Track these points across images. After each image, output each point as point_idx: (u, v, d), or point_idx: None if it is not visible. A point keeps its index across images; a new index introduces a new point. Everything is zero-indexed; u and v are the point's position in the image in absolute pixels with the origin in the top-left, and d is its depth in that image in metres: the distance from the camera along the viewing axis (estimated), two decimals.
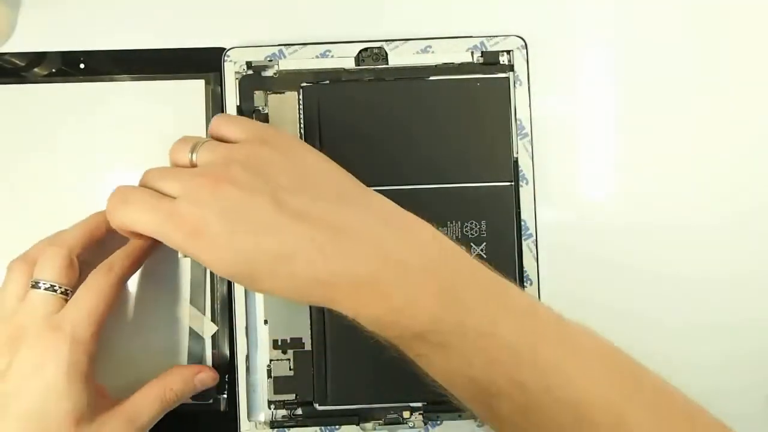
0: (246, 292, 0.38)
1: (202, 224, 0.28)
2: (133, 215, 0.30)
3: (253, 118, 0.38)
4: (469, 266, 0.30)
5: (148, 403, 0.34)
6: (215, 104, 0.39)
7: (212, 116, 0.38)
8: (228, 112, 0.38)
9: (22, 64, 0.39)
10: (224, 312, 0.38)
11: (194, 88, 0.39)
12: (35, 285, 0.33)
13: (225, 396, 0.38)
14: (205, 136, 0.34)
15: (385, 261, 0.28)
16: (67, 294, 0.33)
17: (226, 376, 0.38)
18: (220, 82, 0.38)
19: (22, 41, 0.39)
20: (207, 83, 0.39)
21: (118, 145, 0.39)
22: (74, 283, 0.33)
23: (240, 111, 0.38)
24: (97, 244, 0.35)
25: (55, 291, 0.33)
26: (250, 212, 0.28)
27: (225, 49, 0.38)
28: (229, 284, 0.38)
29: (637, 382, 0.28)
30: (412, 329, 0.28)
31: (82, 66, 0.39)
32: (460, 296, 0.28)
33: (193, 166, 0.31)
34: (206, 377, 0.37)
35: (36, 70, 0.39)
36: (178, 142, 0.33)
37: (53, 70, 0.39)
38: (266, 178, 0.29)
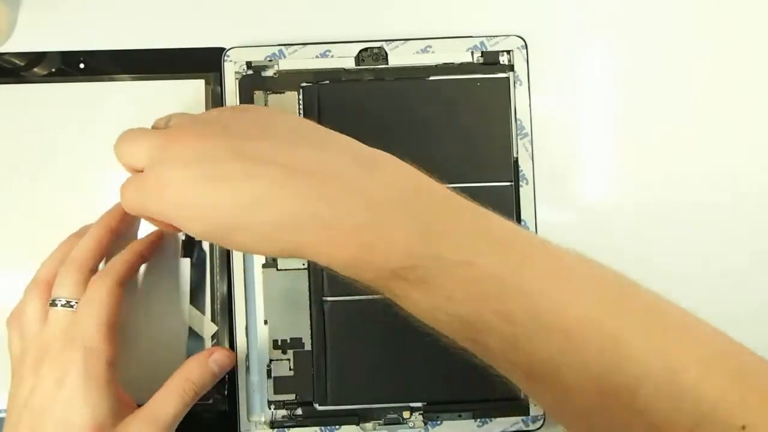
0: (246, 291, 0.38)
1: (164, 180, 0.28)
2: (124, 197, 0.31)
3: None
4: (446, 197, 0.28)
5: (169, 400, 0.34)
6: (215, 104, 0.39)
7: None
8: None
9: (22, 64, 0.39)
10: (224, 312, 0.38)
11: (194, 88, 0.39)
12: (53, 303, 0.33)
13: (225, 395, 0.38)
14: None
15: (352, 198, 0.27)
16: (71, 304, 0.33)
17: (226, 377, 0.38)
18: (220, 82, 0.38)
19: (22, 41, 0.39)
20: (207, 83, 0.39)
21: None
22: (81, 288, 0.34)
23: None
24: (105, 252, 0.35)
25: (72, 307, 0.33)
26: (207, 161, 0.28)
27: (225, 49, 0.38)
28: (229, 284, 0.38)
29: (629, 300, 0.27)
30: (388, 267, 0.27)
31: (82, 66, 0.39)
32: (437, 228, 0.27)
33: None
34: (220, 357, 0.36)
35: (36, 70, 0.39)
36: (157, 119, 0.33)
37: (53, 70, 0.39)
38: (225, 129, 0.29)
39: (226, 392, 0.38)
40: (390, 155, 0.29)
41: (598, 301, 0.26)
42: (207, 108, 0.39)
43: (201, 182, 0.28)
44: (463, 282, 0.26)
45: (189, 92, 0.39)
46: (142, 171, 0.30)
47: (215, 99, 0.39)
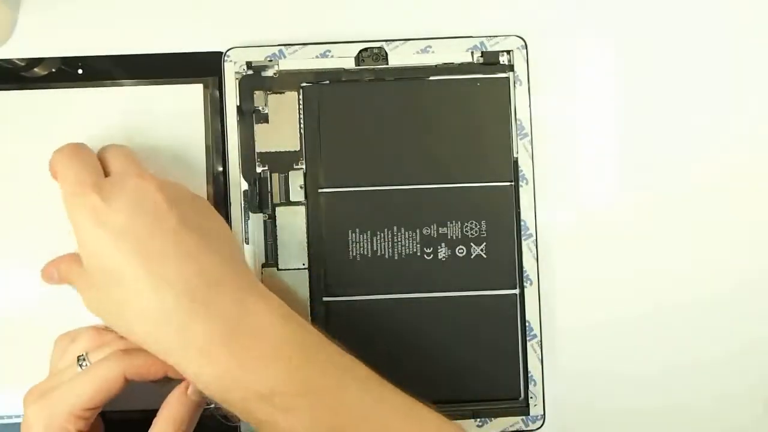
0: None
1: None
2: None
3: (253, 118, 0.38)
4: (315, 333, 0.31)
5: None
6: (214, 108, 0.38)
7: (211, 120, 0.38)
8: (228, 112, 0.38)
9: (20, 69, 0.39)
10: None
11: (193, 93, 0.39)
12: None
13: None
14: (205, 137, 0.37)
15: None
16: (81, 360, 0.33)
17: None
18: (219, 86, 0.38)
19: (19, 46, 0.39)
20: (206, 87, 0.39)
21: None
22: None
23: (240, 111, 0.38)
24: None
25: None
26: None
27: (223, 52, 0.38)
28: None
29: None
30: (258, 390, 0.28)
31: (80, 71, 0.39)
32: (312, 357, 0.29)
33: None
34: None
35: (33, 74, 0.39)
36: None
37: (51, 75, 0.39)
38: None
39: None
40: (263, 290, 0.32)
41: None
42: (206, 112, 0.38)
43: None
44: (330, 414, 0.29)
45: (187, 97, 0.39)
46: None
47: (214, 103, 0.39)
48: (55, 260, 0.36)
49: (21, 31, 0.39)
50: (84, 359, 0.32)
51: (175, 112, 0.39)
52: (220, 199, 0.38)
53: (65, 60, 0.39)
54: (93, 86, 0.39)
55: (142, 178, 0.32)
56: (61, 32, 0.39)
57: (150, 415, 0.36)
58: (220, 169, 0.38)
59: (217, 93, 0.38)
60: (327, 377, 0.29)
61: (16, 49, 0.39)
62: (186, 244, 0.30)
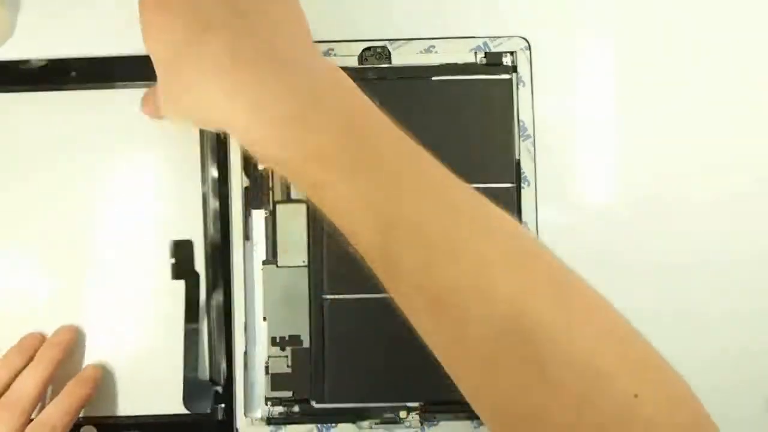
0: (245, 288, 0.38)
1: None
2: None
3: None
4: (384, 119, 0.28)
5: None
6: None
7: None
8: None
9: (14, 72, 0.39)
10: (219, 311, 0.38)
11: None
12: None
13: (222, 391, 0.38)
14: (200, 150, 0.37)
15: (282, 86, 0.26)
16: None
17: (224, 374, 0.38)
18: None
19: (14, 48, 0.39)
20: None
21: (112, 152, 0.39)
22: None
23: None
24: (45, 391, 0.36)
25: None
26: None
27: None
28: (228, 280, 0.38)
29: (541, 263, 0.26)
30: (312, 144, 0.26)
31: (73, 74, 0.38)
32: (372, 127, 0.27)
33: None
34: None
35: (28, 75, 0.39)
36: None
37: (44, 76, 0.38)
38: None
39: (221, 388, 0.38)
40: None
41: (517, 272, 0.25)
42: None
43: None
44: (393, 181, 0.26)
45: None
46: None
47: None
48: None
49: (16, 33, 0.39)
50: None
51: None
52: (221, 200, 0.38)
53: (58, 61, 0.39)
54: (87, 88, 0.39)
55: None
56: (55, 33, 0.39)
57: (142, 419, 0.36)
58: (215, 174, 0.38)
59: None
60: (389, 148, 0.27)
61: (10, 51, 0.39)
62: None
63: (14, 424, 0.34)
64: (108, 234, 0.38)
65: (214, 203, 0.38)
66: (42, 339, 0.37)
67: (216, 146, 0.38)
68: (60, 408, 0.35)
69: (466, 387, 0.27)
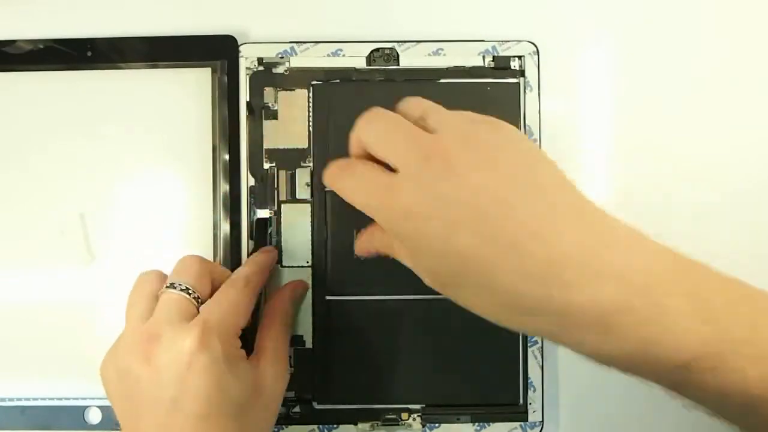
0: None
1: (415, 209, 0.26)
2: (349, 185, 0.29)
3: (262, 115, 0.38)
4: (704, 269, 0.26)
5: (278, 336, 0.34)
6: (222, 93, 0.38)
7: (219, 106, 0.38)
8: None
9: (27, 52, 0.39)
10: None
11: (201, 77, 0.38)
12: (170, 286, 0.32)
13: None
14: (212, 123, 0.37)
15: (630, 283, 0.24)
16: (198, 301, 0.32)
17: None
18: (228, 71, 0.38)
19: (28, 28, 0.39)
20: (214, 71, 0.38)
21: (122, 134, 0.39)
22: (206, 295, 0.32)
23: (249, 107, 0.38)
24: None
25: (189, 294, 0.31)
26: (471, 211, 0.25)
27: (233, 37, 0.38)
28: None
29: None
30: (678, 359, 0.24)
31: (89, 53, 0.38)
32: (717, 308, 0.25)
33: (422, 127, 0.28)
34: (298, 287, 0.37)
35: (40, 55, 0.38)
36: (414, 100, 0.31)
37: (58, 56, 0.38)
38: (500, 182, 0.26)
39: None
40: (623, 223, 0.27)
41: None
42: (213, 97, 0.38)
43: (460, 231, 0.25)
44: (755, 359, 0.24)
45: (195, 81, 0.38)
46: (375, 159, 0.29)
47: (222, 89, 0.38)
48: (366, 233, 0.33)
49: (30, 12, 0.39)
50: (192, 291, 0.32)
51: (182, 96, 0.38)
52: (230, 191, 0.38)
53: (74, 41, 0.39)
54: (100, 68, 0.38)
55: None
56: (70, 13, 0.39)
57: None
58: (227, 157, 0.38)
59: (226, 77, 0.38)
60: (737, 322, 0.25)
61: (24, 31, 0.39)
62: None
63: (197, 267, 0.33)
64: (113, 225, 0.38)
65: (224, 187, 0.38)
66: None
67: (222, 138, 0.38)
68: (255, 266, 0.35)
69: None
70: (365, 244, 0.33)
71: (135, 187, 0.38)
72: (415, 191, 0.26)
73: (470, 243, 0.25)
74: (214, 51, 0.38)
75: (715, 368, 0.24)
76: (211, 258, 0.38)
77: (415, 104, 0.30)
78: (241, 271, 0.34)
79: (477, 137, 0.27)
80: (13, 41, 0.38)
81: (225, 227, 0.38)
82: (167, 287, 0.32)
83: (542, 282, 0.25)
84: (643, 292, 0.24)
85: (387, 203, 0.27)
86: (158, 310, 0.31)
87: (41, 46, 0.38)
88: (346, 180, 0.30)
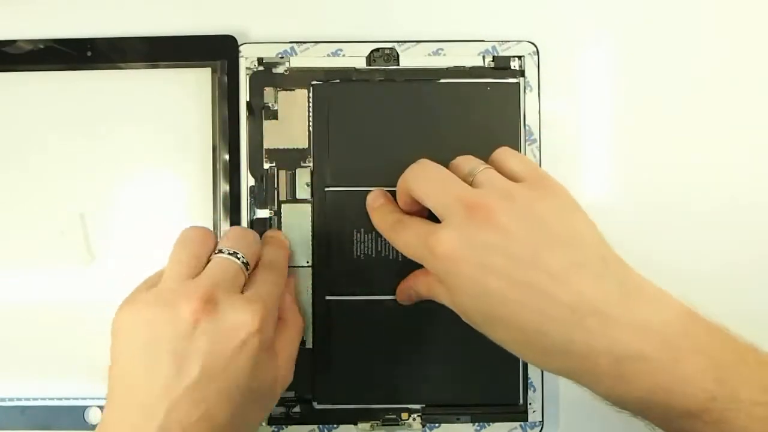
0: None
1: (455, 253, 0.29)
2: (402, 238, 0.32)
3: (262, 115, 0.38)
4: (723, 334, 0.28)
5: (294, 340, 0.35)
6: (222, 93, 0.38)
7: (219, 106, 0.38)
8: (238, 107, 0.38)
9: (31, 51, 0.39)
10: None
11: (200, 78, 0.39)
12: (230, 253, 0.32)
13: None
14: (212, 123, 0.37)
15: (652, 339, 0.27)
16: (247, 267, 0.32)
17: None
18: (228, 71, 0.38)
19: (28, 27, 0.39)
20: (214, 71, 0.38)
21: (122, 134, 0.39)
22: (254, 261, 0.33)
23: (249, 107, 0.38)
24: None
25: (239, 259, 0.32)
26: (505, 258, 0.28)
27: (233, 37, 0.38)
28: None
29: None
30: (687, 409, 0.27)
31: (89, 53, 0.38)
32: (730, 369, 0.27)
33: (469, 182, 0.31)
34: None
35: (39, 55, 0.38)
36: (464, 158, 0.33)
37: (57, 56, 0.38)
38: (533, 232, 0.29)
39: None
40: (650, 282, 0.30)
41: None
42: (213, 97, 0.38)
43: (490, 275, 0.28)
44: (761, 420, 0.26)
45: (195, 81, 0.38)
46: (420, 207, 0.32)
47: (222, 89, 0.38)
48: (408, 281, 0.36)
49: (30, 12, 0.39)
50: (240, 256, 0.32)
51: (182, 96, 0.38)
52: (230, 190, 0.38)
53: (74, 41, 0.38)
54: (100, 68, 0.38)
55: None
56: (70, 13, 0.39)
57: None
58: (227, 157, 0.38)
59: (226, 78, 0.38)
60: (749, 384, 0.27)
61: (24, 31, 0.39)
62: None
63: (248, 236, 0.34)
64: (114, 223, 0.39)
65: (224, 187, 0.38)
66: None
67: (221, 138, 0.38)
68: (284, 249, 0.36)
69: None
70: (408, 290, 0.36)
71: (135, 188, 0.38)
72: (459, 240, 0.29)
73: (500, 285, 0.28)
74: (214, 51, 0.38)
75: (721, 422, 0.26)
76: None
77: (464, 161, 0.33)
78: (279, 255, 0.35)
79: (516, 192, 0.30)
80: (14, 41, 0.38)
81: (225, 227, 0.38)
82: (226, 252, 0.32)
83: (565, 326, 0.28)
84: (660, 344, 0.27)
85: (433, 250, 0.30)
86: (213, 271, 0.31)
87: (41, 46, 0.38)
88: (400, 233, 0.33)
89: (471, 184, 0.31)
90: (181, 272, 0.31)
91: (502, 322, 0.29)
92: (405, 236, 0.32)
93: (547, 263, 0.28)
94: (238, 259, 0.32)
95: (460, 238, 0.29)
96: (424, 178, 0.32)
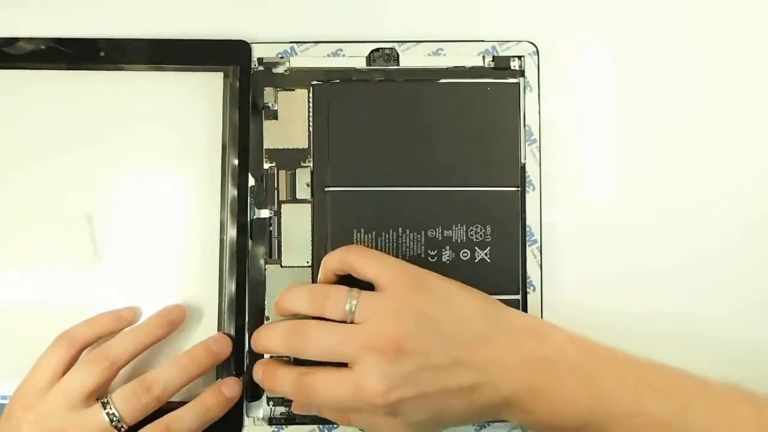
0: (247, 288, 0.38)
1: (393, 391, 0.31)
2: (320, 393, 0.33)
3: (262, 114, 0.38)
4: (605, 355, 0.32)
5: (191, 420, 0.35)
6: (233, 98, 0.38)
7: (230, 110, 0.38)
8: (240, 107, 0.38)
9: (40, 50, 0.38)
10: (231, 309, 0.38)
11: (212, 82, 0.39)
12: (105, 404, 0.33)
13: None
14: (222, 127, 0.37)
15: (538, 371, 0.31)
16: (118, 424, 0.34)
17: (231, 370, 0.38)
18: (240, 76, 0.38)
19: (41, 26, 0.39)
20: (225, 76, 0.39)
21: (131, 136, 0.39)
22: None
23: (255, 108, 0.38)
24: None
25: (118, 428, 0.33)
26: (432, 371, 0.31)
27: (247, 42, 0.38)
28: (238, 282, 0.38)
29: None
30: (572, 424, 0.31)
31: (102, 54, 0.38)
32: (605, 386, 0.31)
33: (351, 321, 0.32)
34: (230, 385, 0.37)
35: (52, 54, 0.38)
36: (318, 292, 0.34)
37: (70, 56, 0.38)
38: (434, 337, 0.31)
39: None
40: (547, 322, 0.34)
41: None
42: (225, 101, 0.38)
43: (435, 389, 0.31)
44: (636, 430, 0.30)
45: (206, 85, 0.39)
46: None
47: (233, 93, 0.38)
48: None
49: (44, 11, 0.39)
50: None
51: (193, 100, 0.38)
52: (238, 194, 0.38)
53: (84, 42, 0.38)
54: (111, 69, 0.38)
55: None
56: (83, 13, 0.39)
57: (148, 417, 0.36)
58: (236, 162, 0.38)
59: (237, 82, 0.38)
60: (624, 398, 0.31)
61: (36, 29, 0.39)
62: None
63: (97, 371, 0.34)
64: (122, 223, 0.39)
65: (232, 191, 0.38)
66: (136, 313, 0.37)
67: (232, 142, 0.38)
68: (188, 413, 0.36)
69: None
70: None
71: (142, 190, 0.38)
72: (388, 379, 0.31)
73: (441, 394, 0.32)
74: (227, 56, 0.38)
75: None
76: (217, 260, 0.38)
77: (333, 297, 0.33)
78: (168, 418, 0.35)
79: (402, 309, 0.32)
80: (22, 39, 0.38)
81: (232, 231, 0.38)
82: (102, 403, 0.34)
83: (484, 395, 0.32)
84: (545, 374, 0.31)
85: (372, 400, 0.31)
86: (83, 414, 0.34)
87: (50, 45, 0.38)
88: (319, 391, 0.33)
89: (353, 321, 0.32)
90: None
91: (450, 416, 0.32)
92: (326, 393, 0.32)
93: (462, 357, 0.31)
94: (108, 411, 0.33)
95: (387, 377, 0.31)
96: (316, 337, 0.32)
